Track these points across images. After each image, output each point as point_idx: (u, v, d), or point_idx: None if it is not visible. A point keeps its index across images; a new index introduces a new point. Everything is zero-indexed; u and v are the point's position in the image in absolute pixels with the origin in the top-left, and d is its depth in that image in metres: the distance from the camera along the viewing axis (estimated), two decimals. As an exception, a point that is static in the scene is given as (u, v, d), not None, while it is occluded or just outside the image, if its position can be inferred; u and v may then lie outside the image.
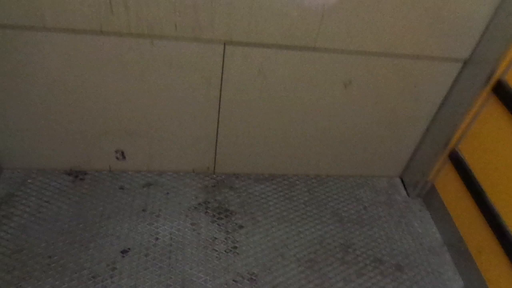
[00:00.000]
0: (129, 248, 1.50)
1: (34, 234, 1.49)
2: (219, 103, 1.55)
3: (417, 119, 1.72)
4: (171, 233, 1.57)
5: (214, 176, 1.83)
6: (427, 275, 1.59)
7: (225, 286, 1.44)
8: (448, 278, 1.60)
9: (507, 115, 1.39)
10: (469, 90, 1.51)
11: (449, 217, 1.69)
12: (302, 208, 1.76)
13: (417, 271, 1.60)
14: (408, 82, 1.56)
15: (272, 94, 1.55)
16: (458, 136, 1.63)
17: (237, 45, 1.38)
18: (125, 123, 1.58)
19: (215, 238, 1.58)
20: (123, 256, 1.47)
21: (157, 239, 1.54)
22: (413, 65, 1.51)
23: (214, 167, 1.81)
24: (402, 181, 1.98)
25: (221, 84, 1.49)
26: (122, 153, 1.68)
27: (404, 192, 1.93)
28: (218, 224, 1.63)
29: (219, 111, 1.58)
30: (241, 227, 1.64)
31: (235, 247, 1.56)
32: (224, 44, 1.38)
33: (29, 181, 1.67)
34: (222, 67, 1.44)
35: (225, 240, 1.58)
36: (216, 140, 1.69)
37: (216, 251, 1.54)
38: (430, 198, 1.84)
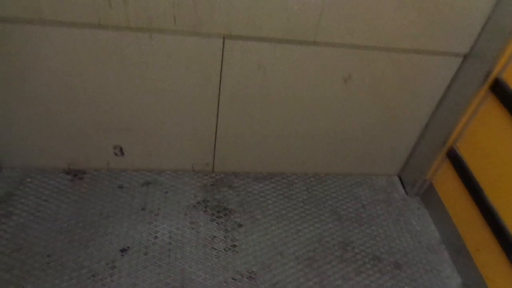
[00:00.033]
0: (128, 247, 1.50)
1: (33, 233, 1.49)
2: (218, 98, 1.55)
3: (415, 115, 1.72)
4: (170, 232, 1.57)
5: (213, 174, 1.83)
6: (426, 272, 1.60)
7: (224, 284, 1.44)
8: (446, 276, 1.60)
9: (505, 113, 1.40)
10: (468, 86, 1.52)
11: (447, 215, 1.70)
12: (301, 207, 1.76)
13: (415, 269, 1.60)
14: (408, 76, 1.56)
15: (272, 89, 1.54)
16: (456, 134, 1.64)
17: (236, 39, 1.38)
18: (123, 118, 1.57)
19: (214, 237, 1.58)
20: (123, 255, 1.47)
21: (156, 237, 1.55)
22: (413, 60, 1.51)
23: (213, 165, 1.81)
24: (401, 180, 1.99)
25: (220, 78, 1.48)
26: (121, 149, 1.68)
27: (402, 191, 1.94)
28: (217, 223, 1.64)
29: (218, 106, 1.57)
30: (240, 225, 1.64)
31: (234, 246, 1.57)
32: (224, 38, 1.37)
33: (28, 180, 1.67)
34: (222, 61, 1.43)
35: (224, 239, 1.58)
36: (215, 137, 1.68)
37: (215, 249, 1.54)
38: (428, 196, 1.85)
